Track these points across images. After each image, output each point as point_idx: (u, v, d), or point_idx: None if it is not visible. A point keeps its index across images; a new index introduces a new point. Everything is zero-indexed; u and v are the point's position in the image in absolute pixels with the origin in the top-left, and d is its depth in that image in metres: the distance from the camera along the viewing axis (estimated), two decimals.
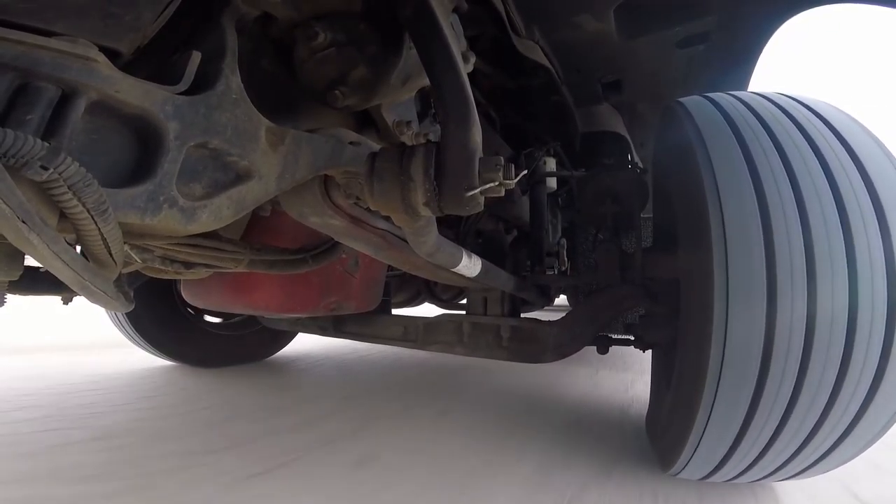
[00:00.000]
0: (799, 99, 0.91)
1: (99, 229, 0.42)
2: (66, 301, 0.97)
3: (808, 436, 0.77)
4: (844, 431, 0.77)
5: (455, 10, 0.80)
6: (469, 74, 0.67)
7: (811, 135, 0.81)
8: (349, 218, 0.75)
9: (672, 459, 0.93)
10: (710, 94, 0.97)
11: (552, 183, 1.59)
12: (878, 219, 0.71)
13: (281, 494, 0.92)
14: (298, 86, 0.76)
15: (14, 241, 0.37)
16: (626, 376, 2.22)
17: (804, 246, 0.71)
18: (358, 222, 0.77)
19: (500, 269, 1.14)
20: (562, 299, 4.24)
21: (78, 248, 0.47)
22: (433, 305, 2.26)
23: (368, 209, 0.76)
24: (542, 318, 1.39)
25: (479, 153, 0.56)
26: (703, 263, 0.80)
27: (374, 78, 0.73)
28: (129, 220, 0.46)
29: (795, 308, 0.70)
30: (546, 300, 1.76)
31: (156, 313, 1.95)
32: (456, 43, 0.63)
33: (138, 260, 0.80)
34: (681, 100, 1.00)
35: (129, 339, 2.02)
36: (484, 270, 1.00)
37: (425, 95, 0.97)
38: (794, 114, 0.85)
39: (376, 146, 0.76)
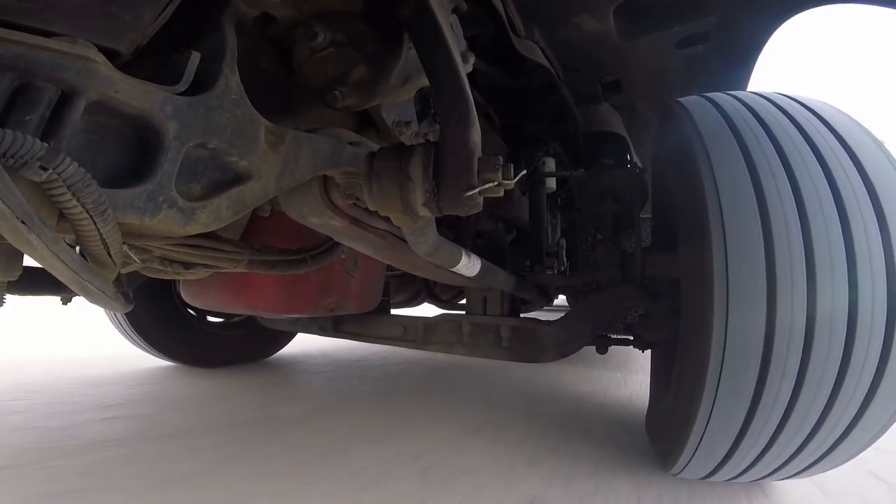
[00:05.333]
0: (798, 99, 0.92)
1: (98, 229, 0.42)
2: (66, 301, 0.97)
3: (808, 434, 0.78)
4: (845, 430, 0.77)
5: (454, 10, 0.80)
6: (468, 74, 0.67)
7: (810, 135, 0.81)
8: (348, 218, 0.75)
9: (673, 459, 0.93)
10: (709, 94, 0.98)
11: (551, 183, 1.59)
12: (877, 218, 0.71)
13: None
14: (298, 86, 0.75)
15: (13, 241, 0.37)
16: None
17: (804, 245, 0.71)
18: (357, 222, 0.77)
19: (499, 268, 1.14)
20: (561, 300, 4.23)
21: (77, 249, 0.47)
22: (432, 306, 2.26)
23: (368, 209, 0.76)
24: (542, 319, 1.39)
25: (479, 153, 0.56)
26: (702, 263, 0.80)
27: (373, 78, 0.73)
28: (128, 221, 0.46)
29: (795, 307, 0.70)
30: (545, 300, 1.76)
31: (155, 313, 1.95)
32: (455, 43, 0.63)
33: (137, 260, 0.79)
34: (680, 100, 1.00)
35: (128, 340, 2.02)
36: (483, 270, 1.00)
37: (425, 95, 0.97)
38: (794, 114, 0.85)
39: (375, 146, 0.76)
